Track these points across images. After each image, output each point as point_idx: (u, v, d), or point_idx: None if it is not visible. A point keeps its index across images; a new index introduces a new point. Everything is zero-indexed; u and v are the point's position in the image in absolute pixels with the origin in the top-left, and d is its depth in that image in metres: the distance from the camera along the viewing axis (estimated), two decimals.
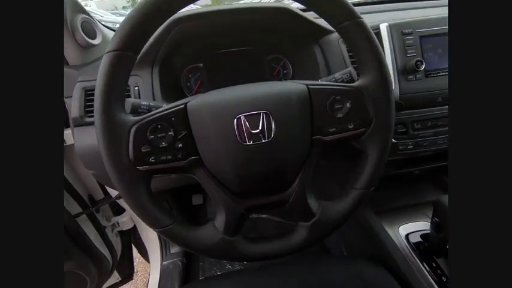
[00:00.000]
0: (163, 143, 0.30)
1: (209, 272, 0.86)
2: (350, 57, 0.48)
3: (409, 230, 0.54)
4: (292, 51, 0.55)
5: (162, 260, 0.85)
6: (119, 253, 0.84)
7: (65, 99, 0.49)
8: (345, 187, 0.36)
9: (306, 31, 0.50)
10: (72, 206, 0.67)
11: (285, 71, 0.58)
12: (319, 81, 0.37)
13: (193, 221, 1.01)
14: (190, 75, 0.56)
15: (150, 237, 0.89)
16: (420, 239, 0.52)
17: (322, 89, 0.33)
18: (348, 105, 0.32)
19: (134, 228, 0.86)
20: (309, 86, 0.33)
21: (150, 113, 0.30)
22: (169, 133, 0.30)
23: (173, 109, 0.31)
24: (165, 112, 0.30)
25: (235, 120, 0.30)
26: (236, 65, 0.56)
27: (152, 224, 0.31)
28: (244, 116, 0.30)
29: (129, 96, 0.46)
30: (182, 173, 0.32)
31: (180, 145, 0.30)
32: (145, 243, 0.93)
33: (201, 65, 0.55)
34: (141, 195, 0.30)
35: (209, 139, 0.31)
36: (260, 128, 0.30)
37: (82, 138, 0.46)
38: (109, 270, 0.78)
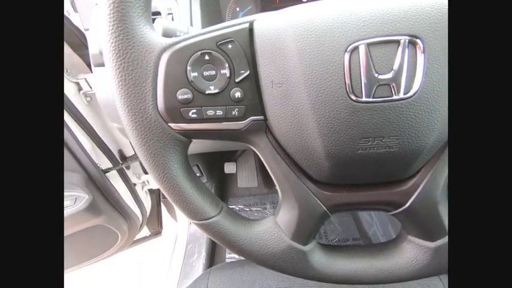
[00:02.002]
0: (212, 88, 0.19)
1: None
2: None
3: None
4: None
5: (190, 223, 0.83)
6: (148, 211, 0.84)
7: (85, 32, 0.39)
8: None
9: None
10: (102, 161, 0.65)
11: None
12: None
13: (222, 190, 0.95)
14: (238, 9, 0.42)
15: None
16: None
17: None
18: None
19: None
20: None
21: (191, 34, 0.18)
22: (223, 71, 0.19)
23: (230, 29, 0.18)
24: (216, 33, 0.18)
25: (347, 53, 0.17)
26: None
27: (188, 213, 0.21)
28: (367, 44, 0.16)
29: None
30: (234, 140, 0.21)
31: (238, 94, 0.19)
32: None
33: None
34: (172, 169, 0.20)
35: (289, 87, 0.18)
36: (396, 69, 0.17)
37: (103, 81, 0.36)
38: (138, 226, 0.78)
